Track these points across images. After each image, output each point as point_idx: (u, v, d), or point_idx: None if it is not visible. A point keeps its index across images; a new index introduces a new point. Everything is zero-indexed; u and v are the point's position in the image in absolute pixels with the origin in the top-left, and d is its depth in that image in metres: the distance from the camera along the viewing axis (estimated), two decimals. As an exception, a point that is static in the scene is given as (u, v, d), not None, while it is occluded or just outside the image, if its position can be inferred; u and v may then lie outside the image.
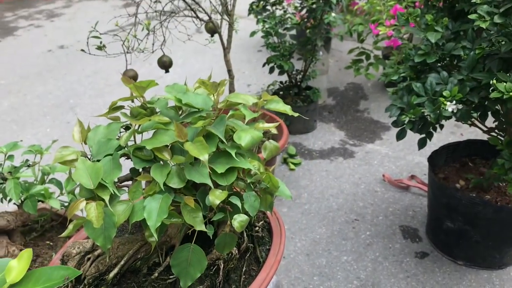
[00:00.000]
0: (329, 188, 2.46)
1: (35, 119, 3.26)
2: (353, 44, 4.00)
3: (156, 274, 0.95)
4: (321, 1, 2.42)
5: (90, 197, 0.83)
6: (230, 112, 0.99)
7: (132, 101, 1.02)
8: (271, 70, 2.72)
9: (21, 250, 1.39)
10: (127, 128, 0.95)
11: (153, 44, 1.68)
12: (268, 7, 2.70)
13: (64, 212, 1.54)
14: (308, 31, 2.66)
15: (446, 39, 1.44)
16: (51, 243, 1.45)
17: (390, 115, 1.47)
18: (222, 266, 0.95)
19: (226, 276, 1.00)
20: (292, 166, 2.62)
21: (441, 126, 1.68)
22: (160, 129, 0.89)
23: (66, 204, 1.48)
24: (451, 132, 2.88)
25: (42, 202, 1.40)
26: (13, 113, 3.35)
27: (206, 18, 1.84)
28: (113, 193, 0.83)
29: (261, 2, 2.70)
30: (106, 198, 0.81)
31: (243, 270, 1.02)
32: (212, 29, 2.00)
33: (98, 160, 0.87)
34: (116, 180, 0.90)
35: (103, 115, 0.98)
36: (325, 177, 2.55)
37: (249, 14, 2.72)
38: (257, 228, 1.09)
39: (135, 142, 0.93)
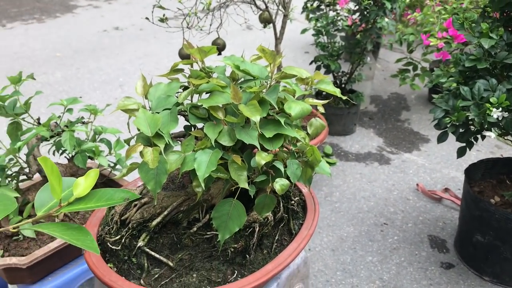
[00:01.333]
0: (361, 190, 2.48)
1: (85, 92, 3.40)
2: (401, 55, 3.99)
3: (194, 229, 1.01)
4: (375, 6, 2.44)
5: (146, 144, 0.89)
6: (281, 87, 1.04)
7: (191, 66, 1.09)
8: (318, 68, 2.76)
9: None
10: (185, 88, 1.02)
11: (210, 25, 1.75)
12: (322, 7, 2.75)
13: (108, 173, 1.62)
14: (359, 34, 2.69)
15: (500, 49, 1.45)
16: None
17: (434, 116, 1.49)
18: (258, 229, 1.00)
19: (259, 240, 1.04)
20: (327, 165, 2.65)
21: (483, 137, 1.69)
22: (216, 90, 0.95)
23: (112, 164, 1.56)
24: (491, 152, 2.85)
25: (92, 159, 1.48)
26: (65, 84, 3.50)
27: (263, 6, 1.90)
28: (168, 142, 0.89)
29: (316, 2, 2.75)
30: (162, 146, 0.88)
31: (276, 238, 1.07)
32: (267, 19, 2.06)
33: (157, 113, 0.93)
34: (170, 133, 0.96)
35: (164, 75, 1.05)
36: (359, 180, 2.57)
37: (302, 12, 2.77)
38: (293, 202, 1.14)
39: (192, 101, 0.99)
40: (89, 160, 1.52)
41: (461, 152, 1.72)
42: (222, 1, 1.77)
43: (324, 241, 2.13)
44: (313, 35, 2.70)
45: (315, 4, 2.75)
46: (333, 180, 2.55)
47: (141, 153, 0.84)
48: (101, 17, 5.13)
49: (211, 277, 0.97)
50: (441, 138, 1.54)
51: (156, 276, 0.96)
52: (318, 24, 2.65)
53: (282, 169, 0.91)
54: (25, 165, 1.37)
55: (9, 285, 1.44)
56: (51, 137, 1.35)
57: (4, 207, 0.60)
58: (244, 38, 4.44)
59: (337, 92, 1.09)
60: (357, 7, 2.58)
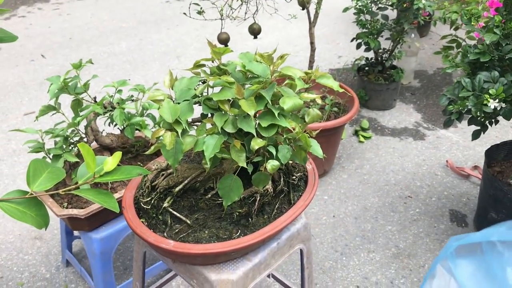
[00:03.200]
0: (391, 164, 2.63)
1: (146, 62, 3.71)
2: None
3: (209, 195, 1.26)
4: (414, -14, 2.51)
5: (168, 128, 1.14)
6: (287, 81, 1.24)
7: (213, 62, 1.31)
8: (358, 46, 2.88)
9: (118, 165, 1.78)
10: (204, 82, 1.24)
11: (245, 13, 1.95)
12: (366, -15, 2.83)
13: (155, 142, 1.90)
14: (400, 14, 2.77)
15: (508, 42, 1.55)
16: (141, 164, 1.83)
17: (440, 103, 1.63)
18: (258, 198, 1.23)
19: (261, 207, 1.27)
20: (361, 139, 2.81)
21: (496, 122, 1.80)
22: (225, 86, 1.17)
23: (156, 135, 1.83)
24: (530, 131, 2.87)
25: (139, 130, 1.76)
26: (129, 54, 3.84)
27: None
28: (184, 128, 1.13)
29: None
30: (179, 130, 1.12)
31: (276, 206, 1.29)
32: (303, 3, 2.22)
33: (179, 103, 1.17)
34: (190, 119, 1.20)
35: (189, 69, 1.28)
36: (391, 154, 2.71)
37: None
38: (294, 177, 1.35)
39: (208, 93, 1.22)
40: (136, 132, 1.79)
41: (475, 135, 1.84)
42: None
43: (349, 209, 2.33)
44: (354, 13, 2.81)
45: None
46: (366, 154, 2.71)
47: (162, 136, 1.09)
48: (165, -12, 5.41)
49: (219, 234, 1.22)
50: (447, 123, 1.68)
51: (177, 230, 1.22)
52: (359, 3, 2.75)
53: (274, 153, 1.13)
54: (84, 135, 1.67)
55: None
56: (105, 113, 1.63)
57: (56, 176, 0.87)
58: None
59: (334, 86, 1.27)
60: (397, -13, 2.65)
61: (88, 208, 1.58)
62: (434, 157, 2.68)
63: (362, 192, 2.44)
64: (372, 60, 3.05)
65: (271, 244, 1.31)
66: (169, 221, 1.24)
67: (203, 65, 1.28)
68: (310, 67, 2.35)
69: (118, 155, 0.90)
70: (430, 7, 2.56)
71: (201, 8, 1.79)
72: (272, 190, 1.26)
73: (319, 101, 1.27)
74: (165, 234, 1.22)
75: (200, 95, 1.20)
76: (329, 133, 2.32)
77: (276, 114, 1.12)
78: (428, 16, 2.90)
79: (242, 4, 1.89)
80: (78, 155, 1.67)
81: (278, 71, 1.18)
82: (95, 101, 1.67)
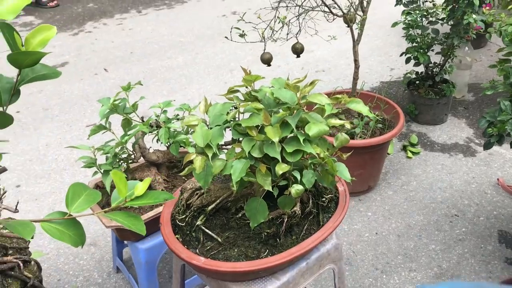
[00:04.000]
0: (439, 181, 2.59)
1: (201, 76, 3.85)
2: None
3: (239, 215, 1.32)
4: (464, 2, 2.47)
5: (200, 152, 1.22)
6: (317, 106, 1.29)
7: (246, 87, 1.38)
8: (407, 61, 2.85)
9: (163, 179, 1.89)
10: (236, 107, 1.32)
11: (287, 34, 2.01)
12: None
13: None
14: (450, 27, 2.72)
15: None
16: (185, 178, 1.93)
17: (479, 125, 1.60)
18: (286, 220, 1.28)
19: (289, 228, 1.32)
20: (410, 154, 2.78)
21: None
22: (254, 113, 1.23)
23: (200, 152, 1.92)
24: None
25: (183, 147, 1.86)
26: (185, 68, 4.00)
27: (340, 13, 2.10)
28: (215, 152, 1.20)
29: (410, -6, 2.81)
30: (210, 154, 1.19)
31: (305, 227, 1.34)
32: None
33: (211, 128, 1.25)
34: (222, 143, 1.28)
35: (223, 95, 1.35)
36: (439, 170, 2.67)
37: (396, 4, 2.85)
38: (324, 199, 1.39)
39: (238, 119, 1.29)
40: (181, 148, 1.90)
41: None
42: (300, 12, 2.01)
43: (392, 227, 2.32)
44: (403, 28, 2.79)
45: (410, -4, 2.82)
46: (413, 170, 2.68)
47: (193, 160, 1.17)
48: (222, 2, 5.57)
49: (248, 253, 1.28)
50: (487, 146, 1.65)
51: (208, 247, 1.30)
52: (408, 18, 2.73)
53: (298, 177, 1.18)
54: (132, 152, 1.79)
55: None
56: (151, 131, 1.75)
57: (92, 199, 0.97)
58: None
59: (364, 111, 1.30)
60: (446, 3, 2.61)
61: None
62: (484, 175, 2.60)
63: (407, 209, 2.42)
64: (423, 74, 3.00)
65: (300, 263, 1.35)
66: (202, 238, 1.32)
67: (237, 91, 1.35)
68: (354, 84, 2.37)
69: (147, 181, 0.98)
70: (483, 21, 2.50)
71: (242, 31, 1.87)
72: (300, 211, 1.31)
73: (348, 126, 1.30)
74: (197, 250, 1.29)
75: (231, 121, 1.27)
76: (373, 149, 2.32)
77: (302, 140, 1.17)
78: (481, 29, 2.83)
79: (283, 26, 1.95)
80: (127, 170, 1.79)
81: (305, 98, 1.23)
82: (142, 121, 1.78)
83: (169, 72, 3.92)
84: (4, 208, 1.85)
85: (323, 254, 1.41)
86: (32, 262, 1.73)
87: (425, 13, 2.76)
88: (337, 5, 2.07)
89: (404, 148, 2.84)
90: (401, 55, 2.90)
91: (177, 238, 1.33)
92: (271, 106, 1.27)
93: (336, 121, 1.25)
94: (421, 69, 3.08)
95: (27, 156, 2.96)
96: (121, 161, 1.78)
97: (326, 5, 2.01)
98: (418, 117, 3.03)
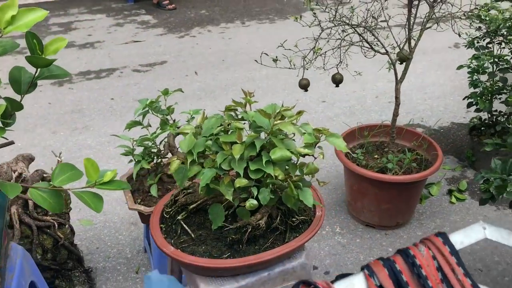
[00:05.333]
0: (474, 232, 2.51)
1: (276, 90, 4.06)
2: None
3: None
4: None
5: (183, 158, 1.42)
6: (304, 136, 1.42)
7: (245, 106, 1.55)
8: (469, 106, 2.80)
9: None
10: (222, 124, 1.50)
11: (324, 64, 2.13)
12: (489, 44, 2.74)
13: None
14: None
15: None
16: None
17: (475, 180, 1.61)
18: (249, 230, 1.43)
19: (255, 238, 1.47)
20: (453, 200, 2.73)
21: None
22: (234, 130, 1.40)
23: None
24: None
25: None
26: (264, 81, 4.23)
27: (382, 50, 2.17)
28: (194, 159, 1.40)
29: (484, 39, 2.75)
30: (189, 160, 1.39)
31: (270, 240, 1.48)
32: (402, 59, 2.31)
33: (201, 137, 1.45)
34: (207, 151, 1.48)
35: (223, 111, 1.54)
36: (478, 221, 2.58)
37: (467, 47, 2.80)
38: (294, 219, 1.51)
39: (226, 133, 1.47)
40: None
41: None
42: (342, 45, 2.13)
43: (408, 266, 2.32)
44: (468, 72, 2.74)
45: (485, 42, 2.75)
46: (452, 216, 2.63)
47: (172, 161, 1.38)
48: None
49: (212, 252, 1.45)
50: (481, 202, 1.63)
51: (182, 240, 1.50)
52: (475, 63, 2.69)
53: (255, 193, 1.33)
54: (162, 149, 2.05)
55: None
56: (178, 134, 1.99)
57: (75, 177, 1.22)
58: (421, 70, 4.49)
59: (342, 147, 1.41)
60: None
61: (152, 208, 1.94)
62: (527, 236, 2.46)
63: (429, 253, 2.39)
64: (486, 121, 2.91)
65: (262, 273, 1.49)
66: (179, 231, 1.52)
67: (235, 109, 1.53)
68: (394, 120, 2.41)
69: (114, 171, 1.20)
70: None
71: (276, 57, 2.04)
72: (264, 225, 1.45)
73: (321, 156, 1.42)
74: (172, 241, 1.50)
75: (217, 134, 1.45)
76: (401, 186, 2.35)
77: (263, 162, 1.32)
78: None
79: (316, 57, 2.09)
80: (158, 164, 2.05)
81: (276, 125, 1.37)
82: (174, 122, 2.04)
83: (249, 83, 4.18)
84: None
85: (288, 269, 1.53)
86: (67, 226, 2.06)
87: (495, 59, 2.68)
88: (381, 43, 2.15)
89: (449, 193, 2.78)
90: (463, 99, 2.84)
91: (161, 227, 1.54)
92: (252, 127, 1.43)
93: (303, 150, 1.38)
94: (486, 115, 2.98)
95: (106, 138, 3.39)
96: (152, 154, 2.04)
97: (366, 41, 2.10)
98: (475, 163, 2.93)
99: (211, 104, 3.78)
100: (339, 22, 2.10)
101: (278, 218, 1.49)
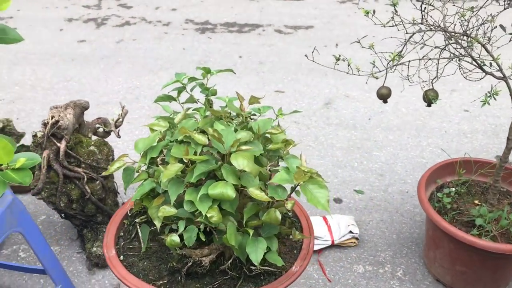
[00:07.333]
0: None
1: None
2: None
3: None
4: None
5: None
6: (278, 174, 1.08)
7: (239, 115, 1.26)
8: None
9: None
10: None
11: (409, 75, 1.64)
12: None
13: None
14: None
15: None
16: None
17: None
18: (190, 264, 1.18)
19: (201, 275, 1.21)
20: None
21: None
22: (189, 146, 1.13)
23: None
24: None
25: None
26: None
27: (498, 73, 1.59)
28: (146, 163, 1.17)
29: None
30: (140, 164, 1.17)
31: (217, 283, 1.20)
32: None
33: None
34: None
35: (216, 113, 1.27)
36: None
37: None
38: (253, 267, 1.19)
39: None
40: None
41: None
42: (441, 57, 1.61)
43: None
44: None
45: None
46: None
47: (114, 162, 1.18)
48: None
49: (149, 273, 1.24)
50: None
51: (130, 247, 1.31)
52: None
53: (180, 228, 1.06)
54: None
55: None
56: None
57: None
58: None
59: (322, 203, 1.04)
60: None
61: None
62: None
63: None
64: None
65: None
66: (133, 235, 1.34)
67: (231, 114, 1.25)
68: (500, 166, 1.80)
69: (22, 161, 1.06)
70: None
71: (339, 55, 1.63)
72: (207, 263, 1.18)
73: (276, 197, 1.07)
74: (122, 244, 1.32)
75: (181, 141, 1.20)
76: (484, 253, 1.78)
77: (198, 196, 1.04)
78: None
79: (393, 66, 1.60)
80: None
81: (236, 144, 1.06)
82: (210, 106, 1.80)
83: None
84: (111, 130, 2.19)
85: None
86: (98, 181, 2.04)
87: None
88: (498, 65, 1.57)
89: None
90: None
91: (124, 222, 1.38)
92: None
93: (258, 193, 1.04)
94: None
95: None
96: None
97: (473, 59, 1.54)
98: None
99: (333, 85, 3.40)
100: (433, 27, 1.56)
101: (230, 261, 1.19)
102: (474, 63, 1.59)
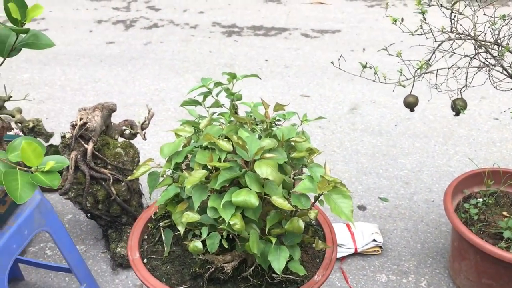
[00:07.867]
0: None
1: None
2: None
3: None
4: None
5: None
6: (302, 182, 1.08)
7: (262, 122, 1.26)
8: None
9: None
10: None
11: (436, 84, 1.61)
12: None
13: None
14: None
15: None
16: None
17: None
18: (212, 269, 1.18)
19: (224, 281, 1.21)
20: None
21: None
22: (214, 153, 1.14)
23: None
24: None
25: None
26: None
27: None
28: (171, 168, 1.18)
29: None
30: (165, 169, 1.18)
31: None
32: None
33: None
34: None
35: (237, 118, 1.27)
36: None
37: None
38: (276, 275, 1.19)
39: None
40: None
41: None
42: (470, 66, 1.58)
43: None
44: None
45: None
46: None
47: (139, 166, 1.19)
48: None
49: (172, 277, 1.25)
50: None
51: (154, 250, 1.33)
52: None
53: (204, 235, 1.06)
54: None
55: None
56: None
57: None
58: None
59: (346, 213, 1.04)
60: None
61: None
62: None
63: None
64: None
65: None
66: (157, 238, 1.35)
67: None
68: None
69: (51, 164, 1.08)
70: None
71: (376, 67, 1.61)
72: (230, 270, 1.18)
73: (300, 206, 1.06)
74: (146, 247, 1.34)
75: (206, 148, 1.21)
76: (509, 266, 1.74)
77: (222, 203, 1.04)
78: None
79: (420, 75, 1.57)
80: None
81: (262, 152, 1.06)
82: (236, 111, 1.81)
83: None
84: (137, 133, 2.21)
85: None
86: (123, 183, 2.07)
87: None
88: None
89: None
90: None
91: (148, 225, 1.40)
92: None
93: (282, 202, 1.04)
94: None
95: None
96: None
97: (503, 68, 1.51)
98: None
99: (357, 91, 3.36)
100: (462, 35, 1.54)
101: (252, 268, 1.20)
102: (505, 72, 1.55)
